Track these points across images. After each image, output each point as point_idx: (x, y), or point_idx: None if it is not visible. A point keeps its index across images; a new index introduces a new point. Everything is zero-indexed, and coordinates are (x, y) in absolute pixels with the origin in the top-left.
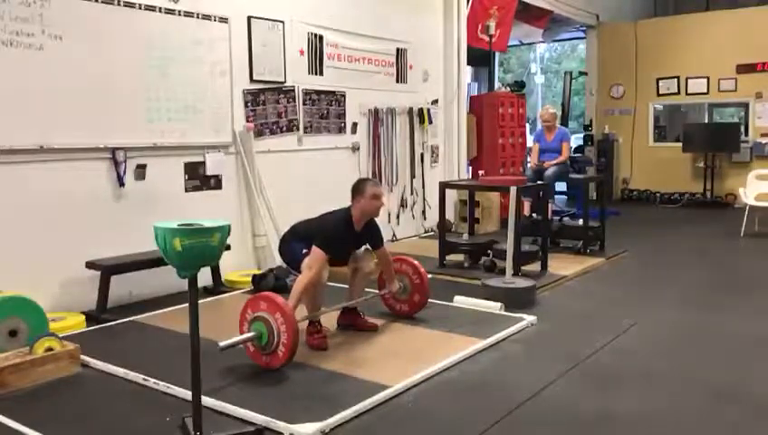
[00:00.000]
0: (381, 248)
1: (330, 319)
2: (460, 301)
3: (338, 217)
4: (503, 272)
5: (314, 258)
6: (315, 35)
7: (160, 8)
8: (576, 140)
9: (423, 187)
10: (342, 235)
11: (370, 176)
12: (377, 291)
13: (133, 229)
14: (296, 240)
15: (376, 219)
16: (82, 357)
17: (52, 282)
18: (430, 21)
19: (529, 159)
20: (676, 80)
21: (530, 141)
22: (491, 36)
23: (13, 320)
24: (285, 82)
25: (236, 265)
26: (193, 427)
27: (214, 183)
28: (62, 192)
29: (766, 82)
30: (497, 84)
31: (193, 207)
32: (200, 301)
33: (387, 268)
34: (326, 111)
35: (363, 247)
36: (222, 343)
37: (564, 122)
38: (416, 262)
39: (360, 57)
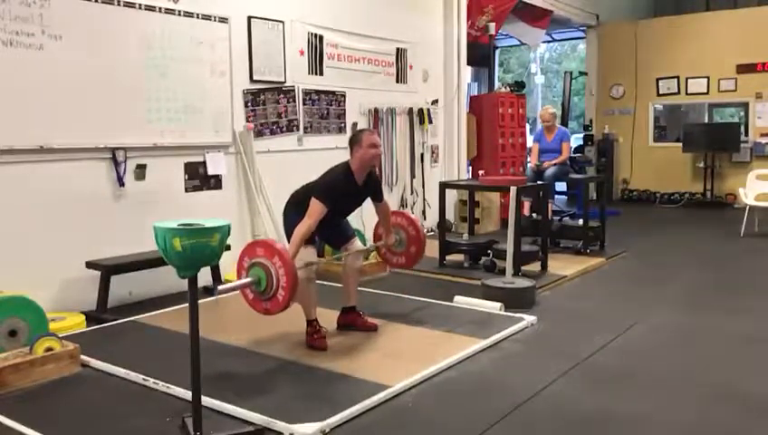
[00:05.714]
0: (382, 202)
1: (330, 319)
2: (460, 301)
3: (337, 171)
4: (503, 272)
5: (312, 209)
6: (315, 35)
7: (160, 8)
8: (576, 140)
9: (423, 187)
10: (343, 186)
11: None
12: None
13: (133, 229)
14: (295, 211)
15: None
16: (82, 357)
17: (52, 282)
18: (430, 21)
19: (529, 159)
20: (676, 80)
21: (530, 141)
22: (491, 36)
23: (13, 320)
24: (285, 82)
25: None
26: (193, 427)
27: (214, 183)
28: (62, 192)
29: (766, 82)
30: (497, 84)
31: (193, 207)
32: (200, 301)
33: (385, 222)
34: (326, 111)
35: (356, 241)
36: (219, 287)
37: (564, 122)
38: (411, 214)
39: (360, 57)
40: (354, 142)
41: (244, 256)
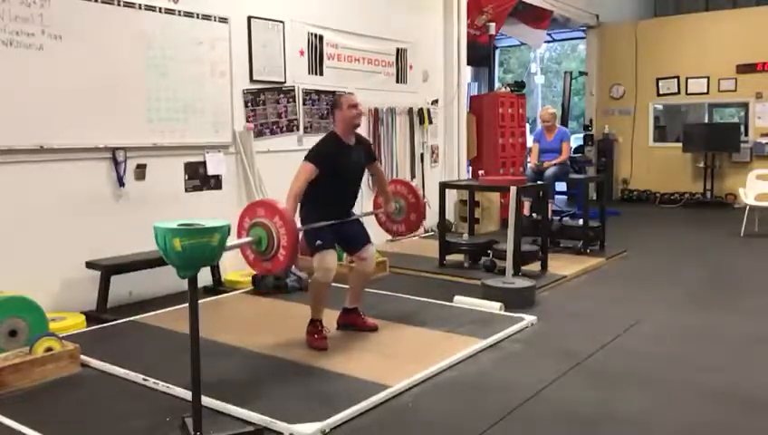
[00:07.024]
0: (375, 163)
1: (330, 319)
2: (460, 301)
3: (324, 137)
4: (503, 272)
5: (299, 170)
6: (315, 35)
7: (160, 8)
8: (576, 140)
9: (423, 187)
10: (332, 146)
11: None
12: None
13: (133, 229)
14: (303, 199)
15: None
16: (82, 357)
17: (52, 282)
18: (430, 21)
19: (529, 159)
20: (676, 80)
21: (530, 141)
22: (491, 36)
23: (13, 320)
24: (285, 82)
25: (236, 265)
26: (193, 427)
27: (214, 183)
28: (62, 192)
29: (766, 82)
30: (497, 84)
31: (193, 207)
32: (200, 301)
33: (381, 185)
34: (326, 111)
35: (370, 247)
36: None
37: (564, 122)
38: (411, 182)
39: (360, 57)
40: (335, 107)
41: (245, 217)
